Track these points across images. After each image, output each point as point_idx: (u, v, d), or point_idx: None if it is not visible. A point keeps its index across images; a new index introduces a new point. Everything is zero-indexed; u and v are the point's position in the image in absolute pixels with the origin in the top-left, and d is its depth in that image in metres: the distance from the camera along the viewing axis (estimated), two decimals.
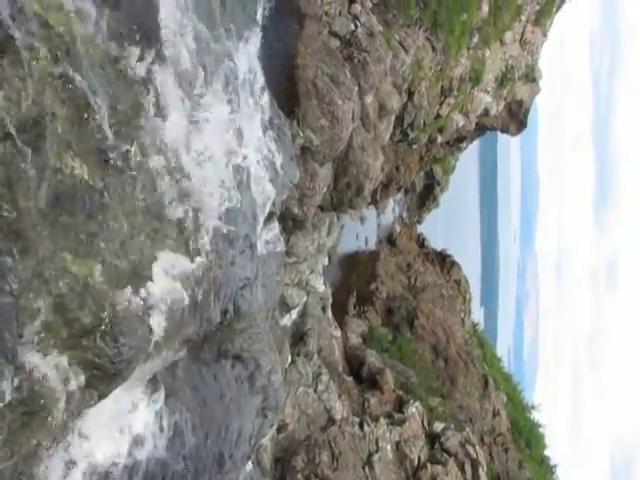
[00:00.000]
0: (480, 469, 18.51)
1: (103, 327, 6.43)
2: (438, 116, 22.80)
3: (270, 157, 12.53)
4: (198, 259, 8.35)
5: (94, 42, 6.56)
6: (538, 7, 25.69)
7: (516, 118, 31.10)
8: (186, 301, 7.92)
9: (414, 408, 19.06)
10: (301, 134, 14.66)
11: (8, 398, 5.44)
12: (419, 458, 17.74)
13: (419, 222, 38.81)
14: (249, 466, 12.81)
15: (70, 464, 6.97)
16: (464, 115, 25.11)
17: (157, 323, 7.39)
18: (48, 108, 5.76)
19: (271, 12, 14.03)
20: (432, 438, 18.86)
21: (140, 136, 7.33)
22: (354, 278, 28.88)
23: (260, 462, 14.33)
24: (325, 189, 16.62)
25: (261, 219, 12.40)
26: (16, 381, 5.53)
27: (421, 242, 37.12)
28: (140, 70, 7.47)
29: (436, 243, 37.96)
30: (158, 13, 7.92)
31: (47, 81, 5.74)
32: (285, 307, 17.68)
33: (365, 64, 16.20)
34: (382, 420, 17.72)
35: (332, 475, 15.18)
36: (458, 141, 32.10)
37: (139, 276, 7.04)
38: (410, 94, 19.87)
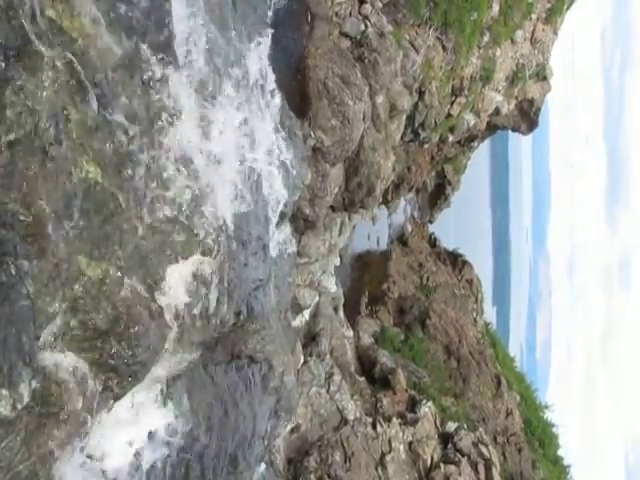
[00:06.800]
0: (493, 469, 18.44)
1: (118, 329, 6.49)
2: (449, 115, 22.71)
3: (282, 158, 12.54)
4: (211, 261, 8.39)
5: (108, 47, 6.61)
6: (549, 5, 25.54)
7: (527, 117, 30.97)
8: (200, 303, 7.97)
9: (427, 408, 19.01)
10: (312, 135, 14.65)
11: (26, 400, 5.50)
12: (432, 458, 17.70)
13: (430, 222, 38.68)
14: (262, 467, 12.85)
15: (87, 464, 7.03)
16: (475, 114, 25.00)
17: (171, 325, 7.44)
18: (63, 112, 5.82)
19: (281, 13, 14.04)
20: (445, 438, 18.81)
21: (154, 139, 7.38)
22: (366, 278, 28.85)
23: (273, 463, 14.34)
24: (336, 189, 16.59)
25: (273, 220, 12.43)
26: (33, 383, 5.59)
27: (433, 242, 37.02)
28: (154, 74, 7.52)
29: (448, 242, 37.86)
30: (171, 17, 7.98)
31: (62, 86, 5.79)
32: (297, 308, 17.68)
33: (376, 64, 16.17)
34: (395, 420, 17.68)
35: (345, 475, 15.18)
36: (469, 140, 31.98)
37: (153, 278, 7.09)
38: (421, 94, 19.82)
